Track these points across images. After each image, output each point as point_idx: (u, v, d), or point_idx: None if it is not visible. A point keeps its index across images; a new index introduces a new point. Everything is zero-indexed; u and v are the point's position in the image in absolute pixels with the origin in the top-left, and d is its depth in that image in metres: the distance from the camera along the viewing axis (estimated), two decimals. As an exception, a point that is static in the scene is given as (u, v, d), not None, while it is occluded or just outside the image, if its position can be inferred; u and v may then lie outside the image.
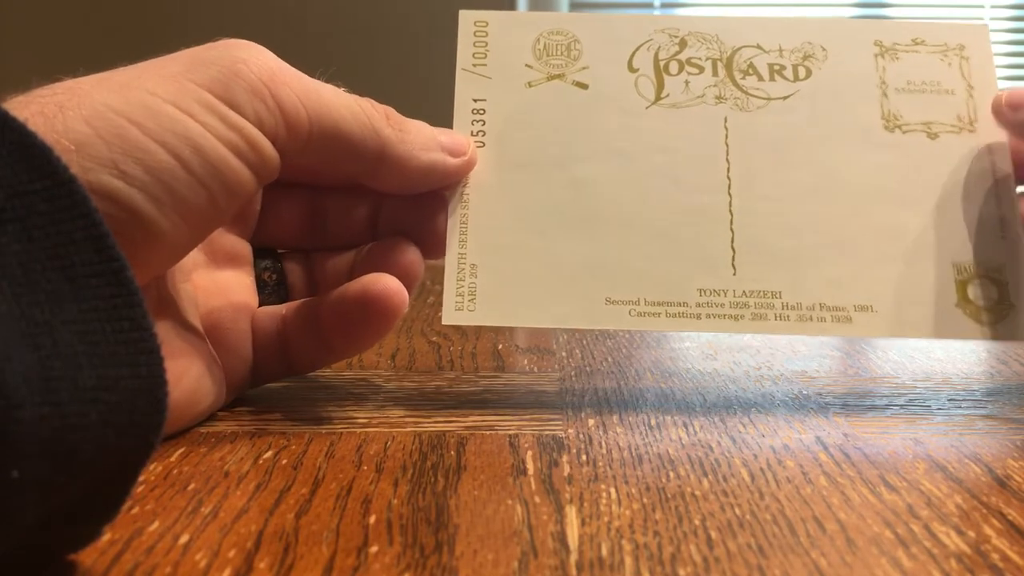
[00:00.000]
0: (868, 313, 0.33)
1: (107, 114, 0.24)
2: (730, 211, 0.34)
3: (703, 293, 0.33)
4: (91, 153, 0.23)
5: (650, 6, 1.88)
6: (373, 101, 0.31)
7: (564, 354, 0.41)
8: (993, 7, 1.89)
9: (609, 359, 0.40)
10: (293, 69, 0.29)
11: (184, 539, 0.21)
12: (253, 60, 0.27)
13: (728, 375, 0.38)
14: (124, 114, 0.24)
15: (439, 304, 0.53)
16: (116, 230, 0.19)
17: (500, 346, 0.42)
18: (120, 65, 0.26)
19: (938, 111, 0.36)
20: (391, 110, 0.31)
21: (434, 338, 0.44)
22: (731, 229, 0.34)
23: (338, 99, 0.29)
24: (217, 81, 0.26)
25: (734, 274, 0.33)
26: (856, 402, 0.34)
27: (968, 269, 0.34)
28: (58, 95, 0.24)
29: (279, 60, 0.28)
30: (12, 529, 0.17)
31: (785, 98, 0.35)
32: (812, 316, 0.33)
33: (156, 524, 0.22)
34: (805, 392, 0.35)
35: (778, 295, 0.33)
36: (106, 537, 0.21)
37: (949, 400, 0.34)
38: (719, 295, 0.33)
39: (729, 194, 0.34)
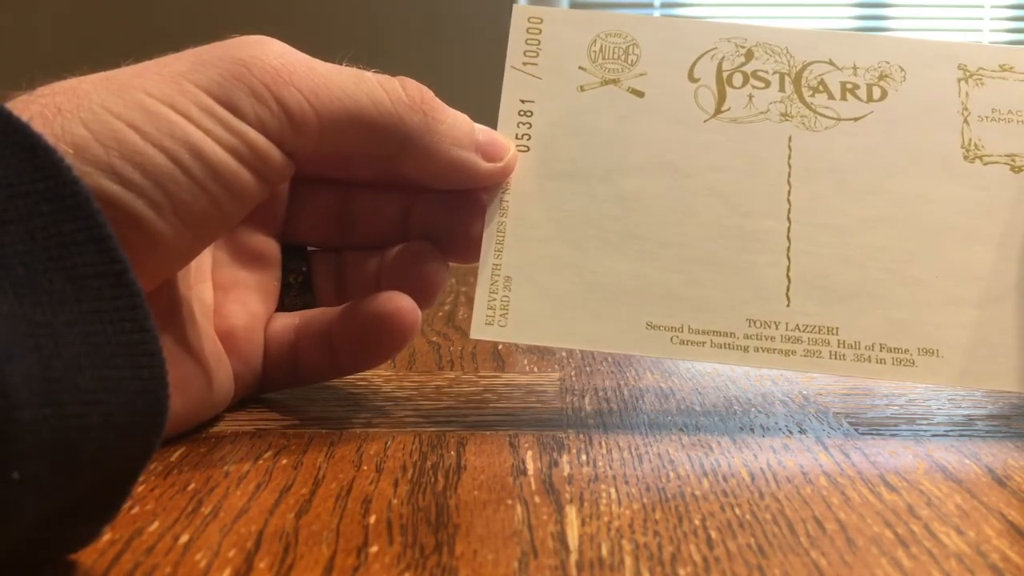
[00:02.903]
0: (933, 358, 0.30)
1: (105, 117, 0.23)
2: (788, 238, 0.31)
3: (753, 324, 0.31)
4: (88, 157, 0.23)
5: (650, 6, 1.88)
6: (408, 81, 0.29)
7: (564, 354, 0.41)
8: (993, 7, 1.89)
9: (609, 359, 0.40)
10: (304, 62, 0.27)
11: (184, 539, 0.21)
12: (255, 61, 0.26)
13: (728, 375, 0.38)
14: (122, 117, 0.24)
15: (437, 304, 0.53)
16: (116, 234, 0.18)
17: (500, 346, 0.42)
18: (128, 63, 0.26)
19: None
20: (428, 94, 0.30)
21: (434, 338, 0.44)
22: (787, 257, 0.31)
23: (357, 86, 0.28)
24: (217, 83, 0.26)
25: (788, 306, 0.31)
26: (856, 402, 0.34)
27: None
28: (57, 96, 0.23)
29: (287, 56, 0.27)
30: (12, 529, 0.17)
31: (856, 119, 0.33)
32: (871, 357, 0.30)
33: (156, 524, 0.22)
34: (805, 392, 0.35)
35: (834, 331, 0.31)
36: (106, 537, 0.21)
37: (949, 400, 0.34)
38: (770, 327, 0.31)
39: (788, 219, 0.32)
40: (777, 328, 0.31)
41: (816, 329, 0.31)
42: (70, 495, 0.18)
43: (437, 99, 0.30)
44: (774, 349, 0.31)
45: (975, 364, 0.31)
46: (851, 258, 0.31)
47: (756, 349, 0.31)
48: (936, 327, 0.31)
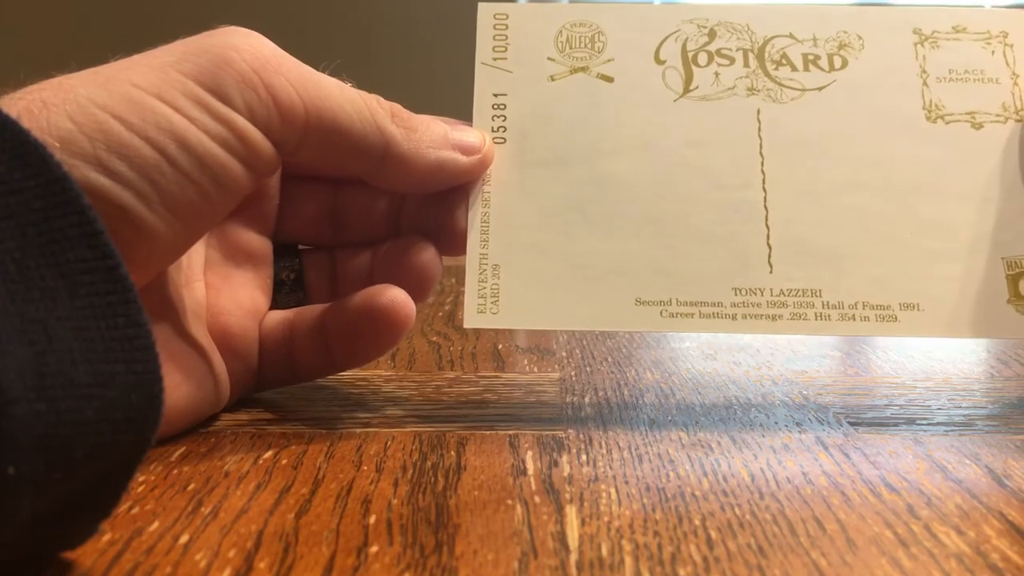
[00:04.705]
0: (914, 312, 0.31)
1: (90, 109, 0.23)
2: (765, 207, 0.32)
3: (738, 292, 0.31)
4: (75, 150, 0.23)
5: None
6: (379, 97, 0.30)
7: (564, 354, 0.41)
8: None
9: (609, 359, 0.40)
10: (291, 57, 0.28)
11: (184, 539, 0.21)
12: (246, 47, 0.26)
13: (728, 375, 0.38)
14: (108, 109, 0.24)
15: (438, 304, 0.53)
16: (106, 227, 0.18)
17: (500, 346, 0.42)
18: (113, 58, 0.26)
19: (982, 100, 0.34)
20: (398, 107, 0.30)
21: (434, 338, 0.44)
22: (766, 225, 0.32)
23: (340, 92, 0.28)
24: (206, 71, 0.26)
25: (771, 272, 0.32)
26: (856, 402, 0.34)
27: (1020, 264, 0.32)
28: (44, 91, 0.23)
29: (276, 48, 0.28)
30: (8, 526, 0.17)
31: (821, 89, 0.34)
32: (855, 315, 0.31)
33: (156, 524, 0.22)
34: (805, 392, 0.35)
35: (818, 293, 0.31)
36: (106, 537, 0.21)
37: (949, 400, 0.34)
38: (755, 294, 0.31)
39: (764, 189, 0.33)
40: (762, 295, 0.32)
41: (800, 293, 0.32)
42: (66, 490, 0.18)
43: (406, 110, 0.31)
44: (761, 315, 0.31)
45: (953, 314, 0.32)
46: (828, 221, 0.32)
47: (744, 316, 0.31)
48: (915, 282, 0.32)
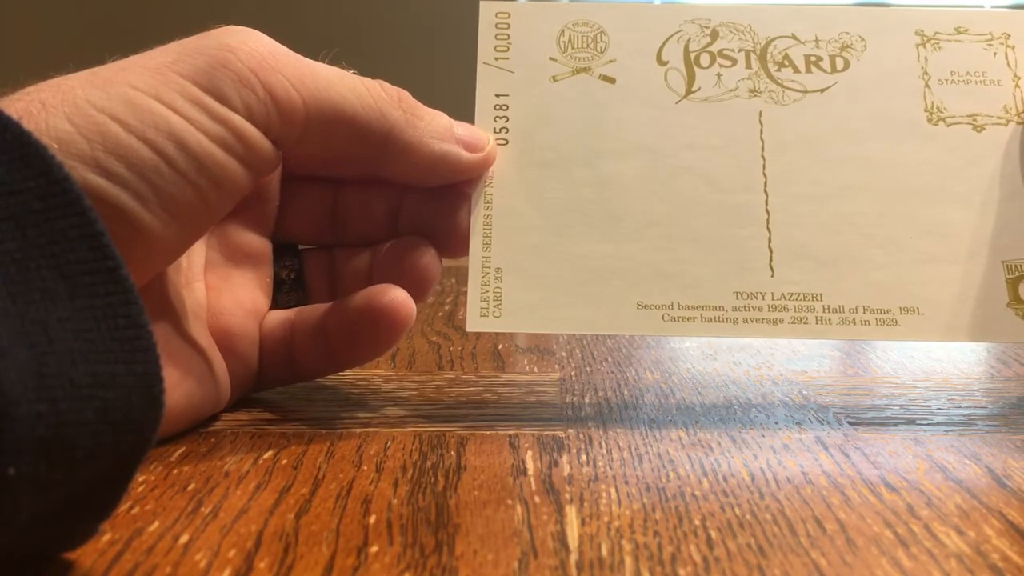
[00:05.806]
0: (914, 316, 0.31)
1: (89, 111, 0.23)
2: (766, 210, 0.32)
3: (740, 296, 0.31)
4: (73, 151, 0.23)
5: None
6: (385, 83, 0.30)
7: (564, 354, 0.41)
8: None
9: (609, 359, 0.40)
10: (290, 53, 0.28)
11: (184, 539, 0.21)
12: (241, 47, 0.27)
13: (728, 375, 0.38)
14: (106, 110, 0.24)
15: (438, 304, 0.53)
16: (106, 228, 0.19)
17: (500, 346, 0.42)
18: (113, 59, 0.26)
19: (983, 102, 0.34)
20: (405, 94, 0.30)
21: (434, 338, 0.44)
22: (768, 229, 0.32)
23: (341, 81, 0.28)
24: (203, 72, 0.26)
25: (772, 276, 0.32)
26: (856, 402, 0.34)
27: (1020, 268, 0.32)
28: (42, 92, 0.23)
29: (273, 44, 0.28)
30: (8, 526, 0.17)
31: (823, 91, 0.34)
32: (856, 319, 0.31)
33: (156, 524, 0.22)
34: (805, 392, 0.35)
35: (819, 297, 0.32)
36: (106, 537, 0.21)
37: (949, 400, 0.34)
38: (756, 298, 0.31)
39: (765, 192, 0.33)
40: (763, 298, 0.32)
41: (801, 296, 0.32)
42: (67, 491, 0.18)
43: (414, 98, 0.31)
44: (762, 319, 0.31)
45: (953, 318, 0.32)
46: (829, 225, 0.32)
47: (745, 320, 0.31)
48: (915, 286, 0.32)
